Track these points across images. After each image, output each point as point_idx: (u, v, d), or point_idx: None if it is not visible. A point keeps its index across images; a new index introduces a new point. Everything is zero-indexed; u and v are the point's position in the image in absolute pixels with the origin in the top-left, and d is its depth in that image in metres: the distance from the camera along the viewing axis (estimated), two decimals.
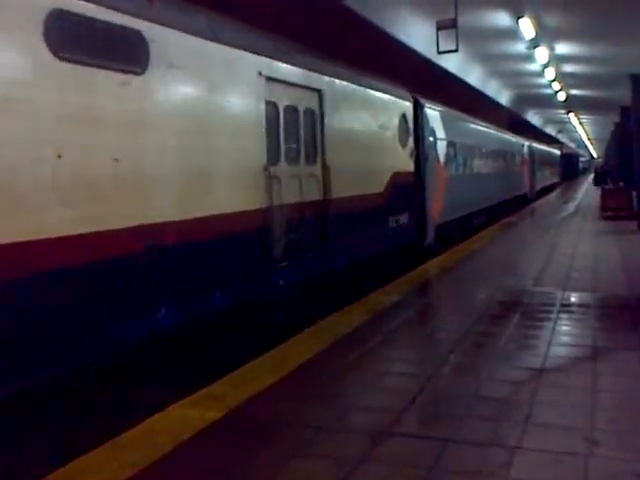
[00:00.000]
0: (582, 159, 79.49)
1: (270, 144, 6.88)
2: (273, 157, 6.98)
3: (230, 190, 6.18)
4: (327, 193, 8.07)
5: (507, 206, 23.23)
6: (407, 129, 11.41)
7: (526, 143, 29.70)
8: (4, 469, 4.00)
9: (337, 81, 8.58)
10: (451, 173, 14.63)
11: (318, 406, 4.41)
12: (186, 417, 4.24)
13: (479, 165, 18.34)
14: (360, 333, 6.34)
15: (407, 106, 11.56)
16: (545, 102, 30.13)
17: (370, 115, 9.77)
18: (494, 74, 21.38)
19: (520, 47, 15.92)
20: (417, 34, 11.80)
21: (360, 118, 9.40)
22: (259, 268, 6.64)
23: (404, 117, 11.24)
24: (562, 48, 16.47)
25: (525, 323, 6.68)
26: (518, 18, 12.44)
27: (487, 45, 16.17)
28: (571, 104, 30.41)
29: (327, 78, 8.29)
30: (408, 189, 11.29)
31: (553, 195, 34.27)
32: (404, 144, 11.20)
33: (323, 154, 8.07)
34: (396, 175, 10.57)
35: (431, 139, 12.77)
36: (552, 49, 16.34)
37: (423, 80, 14.34)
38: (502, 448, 3.67)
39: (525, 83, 24.10)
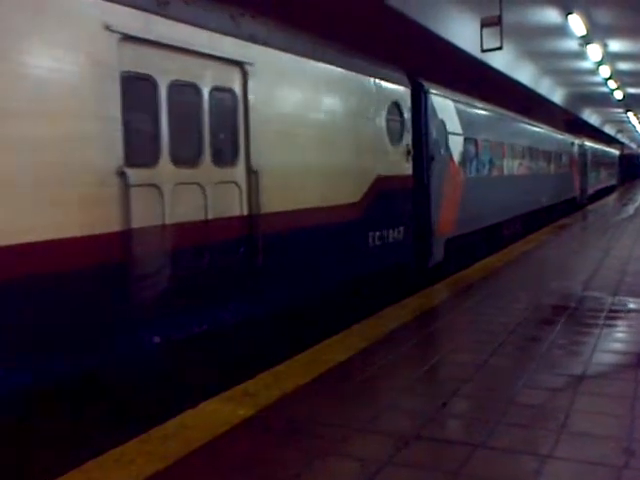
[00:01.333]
0: None
1: (133, 136, 4.79)
2: (140, 155, 4.87)
3: (40, 205, 4.04)
4: (255, 207, 5.81)
5: (551, 213, 20.61)
6: (402, 122, 9.01)
7: (576, 141, 26.24)
8: (41, 456, 4.16)
9: (277, 52, 6.31)
10: (470, 176, 12.11)
11: (347, 407, 4.40)
12: (218, 413, 4.30)
13: (511, 166, 15.47)
14: (395, 335, 6.29)
15: (402, 92, 9.06)
16: (601, 101, 29.16)
17: (337, 102, 7.46)
18: (546, 72, 20.83)
19: (572, 44, 15.48)
20: (462, 32, 11.60)
21: (319, 106, 7.09)
22: (105, 321, 4.48)
23: (397, 106, 8.86)
24: (616, 45, 15.91)
25: (570, 328, 6.48)
26: (567, 14, 12.10)
27: (537, 42, 15.78)
28: (629, 103, 29.33)
29: (258, 47, 6.01)
30: (402, 197, 9.03)
31: (611, 198, 32.98)
32: (396, 141, 8.81)
33: (248, 153, 5.82)
34: (382, 180, 8.25)
35: (440, 135, 10.47)
36: (605, 46, 15.82)
37: (469, 78, 14.07)
38: (533, 456, 3.57)
39: (579, 81, 23.40)
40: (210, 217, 5.38)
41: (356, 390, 4.76)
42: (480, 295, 8.37)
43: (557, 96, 25.37)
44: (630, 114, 36.42)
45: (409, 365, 5.39)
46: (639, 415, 4.08)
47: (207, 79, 5.45)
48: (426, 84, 9.97)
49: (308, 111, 6.94)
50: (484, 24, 9.55)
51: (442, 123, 10.57)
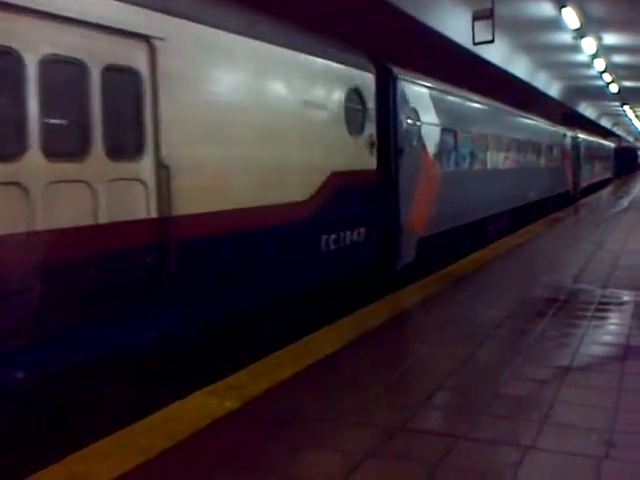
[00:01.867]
0: None
1: None
2: None
3: None
4: (167, 208, 4.93)
5: (542, 207, 19.70)
6: (364, 110, 8.06)
7: (568, 133, 24.97)
8: (22, 448, 4.15)
9: (199, 27, 5.36)
10: (448, 169, 11.26)
11: (333, 400, 4.41)
12: (204, 406, 4.30)
13: (495, 159, 14.38)
14: (383, 328, 6.30)
15: (363, 77, 8.10)
16: (597, 94, 29.12)
17: (279, 87, 6.56)
18: (542, 66, 20.80)
19: (566, 37, 15.45)
20: (455, 25, 11.56)
21: (255, 91, 6.11)
22: None
23: (357, 93, 7.92)
24: (610, 38, 15.89)
25: (559, 320, 6.50)
26: (561, 7, 12.08)
27: (531, 36, 15.75)
28: (625, 96, 29.31)
29: (173, 20, 5.10)
30: (364, 195, 8.07)
31: (605, 191, 32.96)
32: (356, 131, 7.86)
33: (157, 145, 4.92)
34: (338, 176, 7.33)
35: (412, 125, 9.56)
36: (599, 39, 15.79)
37: (465, 72, 14.03)
38: (515, 447, 3.59)
39: (574, 75, 23.37)
40: (102, 221, 4.45)
41: (342, 383, 4.76)
42: (471, 288, 8.39)
43: (553, 90, 25.35)
44: (626, 107, 36.41)
45: (396, 358, 5.41)
46: (623, 407, 4.10)
47: (98, 55, 4.49)
48: (395, 69, 9.01)
49: (241, 97, 5.94)
50: (476, 17, 9.52)
51: (414, 112, 9.63)
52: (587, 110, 36.89)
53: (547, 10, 12.85)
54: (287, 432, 3.92)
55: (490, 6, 9.25)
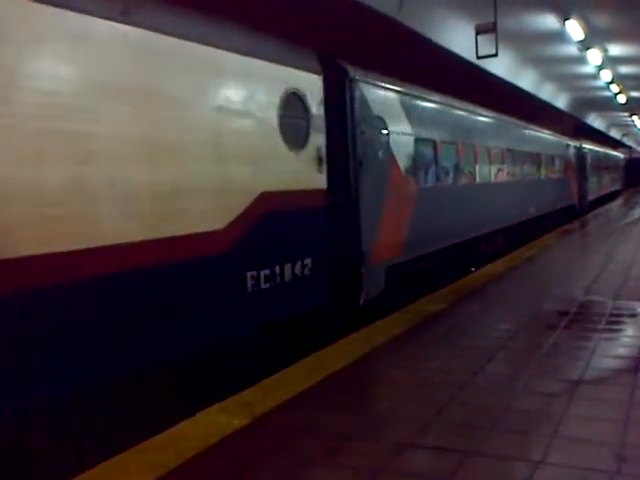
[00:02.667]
0: None
1: None
2: None
3: None
4: None
5: (544, 223, 18.53)
6: (307, 118, 6.79)
7: (572, 144, 23.42)
8: (34, 468, 4.18)
9: (43, 8, 4.08)
10: (426, 185, 9.93)
11: (345, 415, 4.41)
12: (214, 423, 4.32)
13: (486, 172, 12.97)
14: (395, 342, 6.29)
15: (307, 79, 6.78)
16: (605, 105, 29.07)
17: (180, 90, 5.20)
18: (548, 78, 20.82)
19: (571, 49, 15.49)
20: (459, 39, 11.63)
21: (132, 92, 4.76)
22: None
23: (298, 98, 6.64)
24: (616, 49, 15.90)
25: (570, 333, 6.47)
26: (565, 20, 12.14)
27: (536, 48, 15.78)
28: (633, 107, 29.25)
29: None
30: (310, 219, 6.82)
31: (615, 204, 32.57)
32: (297, 144, 6.60)
33: None
34: (271, 198, 6.05)
35: (377, 135, 8.26)
36: (605, 51, 15.81)
37: (470, 86, 14.07)
38: (525, 462, 3.57)
39: (581, 86, 23.36)
40: None
41: (353, 398, 4.76)
42: (483, 300, 8.37)
43: (560, 101, 25.34)
44: (635, 118, 36.29)
45: (407, 372, 5.39)
46: (634, 420, 4.06)
47: None
48: (353, 70, 7.65)
49: (110, 100, 4.56)
50: (479, 31, 9.57)
51: (380, 120, 8.31)
52: (596, 121, 36.82)
53: (551, 23, 12.90)
54: (297, 448, 3.92)
55: (493, 20, 9.30)
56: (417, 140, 9.49)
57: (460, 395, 4.72)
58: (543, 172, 18.47)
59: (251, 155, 5.95)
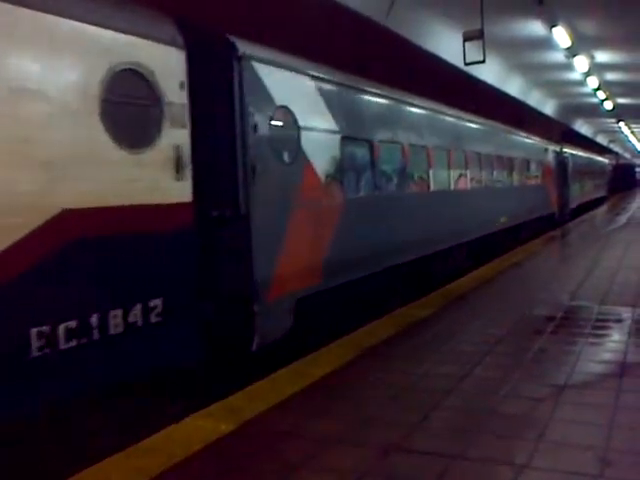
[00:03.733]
0: (639, 169, 76.75)
1: None
2: None
3: None
4: None
5: (518, 234, 16.97)
6: (158, 106, 5.10)
7: (551, 148, 21.73)
8: (21, 473, 4.14)
9: None
10: (357, 194, 8.17)
11: (331, 420, 4.40)
12: (200, 428, 4.30)
13: (443, 178, 11.23)
14: (381, 347, 6.29)
15: (154, 51, 5.11)
16: (592, 112, 29.37)
17: None
18: (535, 84, 21.01)
19: (559, 56, 15.64)
20: (448, 46, 11.70)
21: None
22: None
23: (139, 76, 4.96)
24: (602, 56, 16.09)
25: (556, 338, 6.50)
26: (552, 27, 12.26)
27: (524, 55, 15.93)
28: (620, 113, 29.56)
29: None
30: (161, 244, 5.08)
31: (603, 208, 32.67)
32: (136, 140, 4.91)
33: None
34: (79, 217, 4.40)
35: (281, 131, 6.57)
36: (592, 58, 15.99)
37: (459, 92, 14.17)
38: (509, 466, 3.57)
39: (568, 93, 23.59)
40: None
41: (339, 402, 4.75)
42: (470, 305, 8.39)
43: (548, 108, 25.57)
44: (622, 124, 36.66)
45: (394, 376, 5.38)
46: (618, 424, 4.08)
47: None
48: (244, 46, 6.01)
49: None
50: (466, 38, 9.64)
51: (285, 112, 6.60)
52: (583, 127, 37.16)
53: (538, 30, 13.03)
54: (283, 453, 3.91)
55: (480, 27, 9.38)
56: (345, 139, 7.72)
57: (446, 399, 4.72)
58: (517, 178, 16.82)
59: (44, 156, 4.20)
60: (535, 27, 12.84)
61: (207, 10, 7.06)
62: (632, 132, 45.27)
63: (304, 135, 6.91)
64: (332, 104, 7.57)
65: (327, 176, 7.33)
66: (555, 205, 22.02)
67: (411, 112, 10.26)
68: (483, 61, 9.76)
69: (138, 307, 4.77)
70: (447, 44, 11.60)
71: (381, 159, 8.71)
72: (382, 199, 8.84)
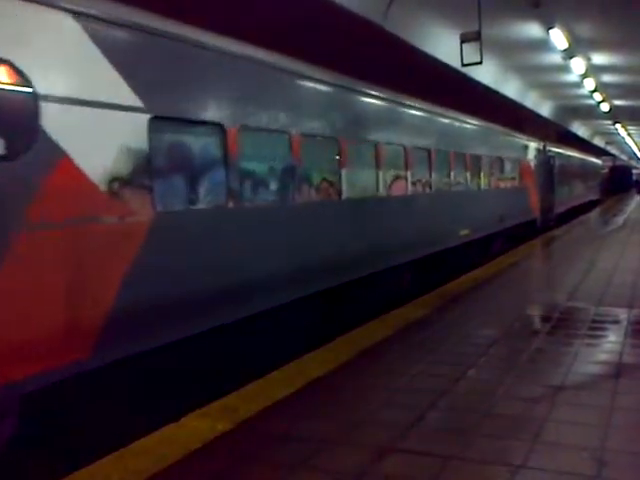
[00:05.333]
0: (636, 171, 76.99)
1: None
2: None
3: None
4: None
5: (488, 246, 14.76)
6: None
7: (532, 145, 19.07)
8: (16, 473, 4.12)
9: None
10: (194, 206, 5.63)
11: (327, 420, 4.39)
12: (197, 428, 4.29)
13: (368, 181, 8.76)
14: (378, 348, 6.28)
15: None
16: (589, 113, 29.37)
17: None
18: (532, 86, 21.00)
19: (555, 58, 15.64)
20: (445, 47, 11.70)
21: None
22: None
23: None
24: (599, 58, 16.08)
25: (553, 339, 6.50)
26: (549, 29, 12.27)
27: (521, 57, 15.93)
28: (617, 115, 29.58)
29: None
30: None
31: (597, 212, 32.30)
32: None
33: None
34: None
35: None
36: (589, 59, 15.99)
37: (455, 93, 14.15)
38: (505, 467, 3.57)
39: (565, 94, 23.58)
40: None
41: (335, 403, 4.75)
42: (466, 306, 8.39)
43: (544, 109, 25.57)
44: (618, 126, 36.72)
45: (390, 377, 5.38)
46: (614, 425, 4.09)
47: None
48: None
49: None
50: (464, 39, 9.66)
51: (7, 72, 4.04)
52: (580, 129, 37.21)
53: (535, 31, 13.04)
54: (279, 453, 3.90)
55: (477, 29, 9.40)
56: (158, 121, 5.14)
57: (442, 400, 4.72)
58: (484, 180, 14.10)
59: None
60: (532, 29, 12.84)
61: None
62: (629, 134, 45.36)
63: (52, 111, 4.27)
64: (128, 64, 4.91)
65: (113, 179, 4.69)
66: (537, 210, 19.53)
67: (306, 86, 7.37)
68: (480, 62, 9.78)
69: None
70: (444, 45, 11.61)
71: (244, 154, 6.11)
72: (243, 213, 6.12)
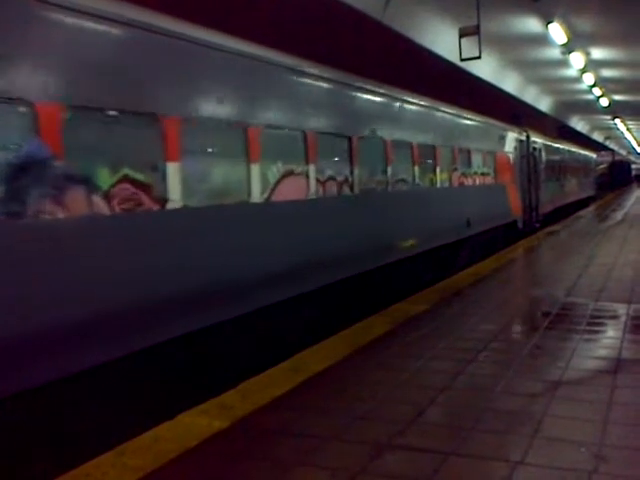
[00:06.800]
0: (635, 166, 76.96)
1: None
2: None
3: None
4: None
5: (457, 256, 12.54)
6: None
7: (512, 134, 16.47)
8: (11, 472, 4.12)
9: None
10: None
11: (325, 417, 4.38)
12: (194, 425, 4.28)
13: (269, 179, 6.55)
14: (376, 343, 6.28)
15: None
16: (588, 108, 29.41)
17: None
18: (531, 81, 21.01)
19: (555, 52, 15.65)
20: (444, 42, 11.68)
21: None
22: None
23: None
24: (598, 53, 16.11)
25: (551, 334, 6.50)
26: (548, 23, 12.26)
27: (520, 51, 15.93)
28: (615, 110, 29.61)
29: None
30: None
31: (595, 205, 31.58)
32: None
33: None
34: None
35: None
36: (588, 54, 16.01)
37: (455, 87, 14.12)
38: (504, 462, 3.57)
39: (564, 89, 23.61)
40: None
41: (333, 399, 4.74)
42: (465, 301, 8.39)
43: (543, 104, 25.56)
44: (617, 121, 36.73)
45: (388, 373, 5.38)
46: (613, 420, 4.08)
47: None
48: None
49: None
50: (463, 34, 9.63)
51: None
52: (579, 124, 37.21)
53: (534, 26, 13.03)
54: (277, 450, 3.89)
55: (476, 23, 9.38)
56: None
57: (441, 396, 4.71)
58: (442, 176, 11.63)
59: None
60: (531, 23, 12.84)
61: None
62: (628, 129, 45.36)
63: None
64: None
65: None
66: (518, 211, 17.06)
67: (182, 46, 5.51)
68: (479, 57, 9.76)
69: None
70: (443, 40, 11.58)
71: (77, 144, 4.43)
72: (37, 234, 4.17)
